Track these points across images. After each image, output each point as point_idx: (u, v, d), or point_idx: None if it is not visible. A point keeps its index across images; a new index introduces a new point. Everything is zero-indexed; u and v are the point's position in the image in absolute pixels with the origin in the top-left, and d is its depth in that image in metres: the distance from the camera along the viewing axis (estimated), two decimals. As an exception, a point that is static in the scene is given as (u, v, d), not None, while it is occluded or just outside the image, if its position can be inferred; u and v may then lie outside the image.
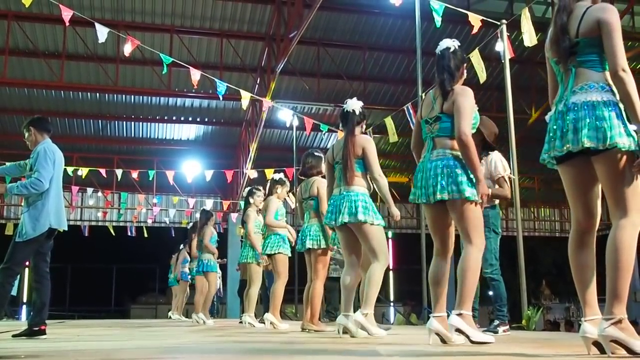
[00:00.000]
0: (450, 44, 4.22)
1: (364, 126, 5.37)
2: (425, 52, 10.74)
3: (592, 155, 3.00)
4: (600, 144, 2.92)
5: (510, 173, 5.99)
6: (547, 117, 3.21)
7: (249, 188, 8.73)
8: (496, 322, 5.62)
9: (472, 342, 3.71)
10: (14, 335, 5.48)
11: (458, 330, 3.75)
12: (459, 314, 3.76)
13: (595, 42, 3.05)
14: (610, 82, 3.02)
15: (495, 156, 5.83)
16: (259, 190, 8.85)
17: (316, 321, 6.47)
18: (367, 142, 5.16)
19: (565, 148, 3.03)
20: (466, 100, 3.96)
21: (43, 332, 5.50)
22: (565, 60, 3.13)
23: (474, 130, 4.02)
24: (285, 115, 15.42)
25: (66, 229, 5.86)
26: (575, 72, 3.09)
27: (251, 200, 8.70)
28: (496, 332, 5.42)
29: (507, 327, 5.69)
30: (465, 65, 4.25)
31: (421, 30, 9.33)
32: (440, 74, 4.13)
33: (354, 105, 5.31)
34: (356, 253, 5.23)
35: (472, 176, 3.91)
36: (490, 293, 5.83)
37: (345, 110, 5.32)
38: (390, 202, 5.21)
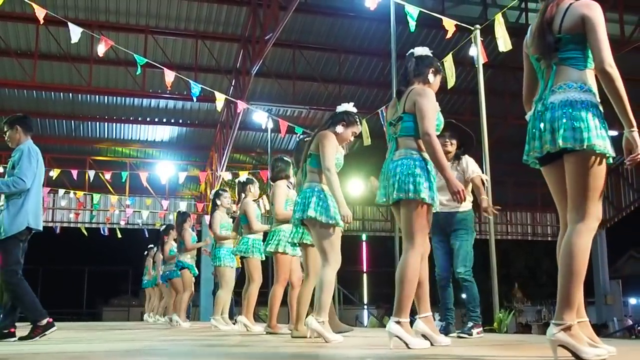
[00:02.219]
0: (418, 50, 4.26)
1: (341, 127, 5.11)
2: (400, 56, 10.69)
3: (565, 153, 2.97)
4: (577, 144, 2.89)
5: (483, 174, 6.03)
6: (527, 117, 3.19)
7: (215, 190, 8.61)
8: (470, 324, 5.63)
9: (409, 348, 3.69)
10: None
11: (397, 337, 3.73)
12: (398, 322, 3.75)
13: (578, 38, 3.02)
14: (589, 82, 3.00)
15: (468, 159, 5.87)
16: (226, 191, 8.87)
17: (274, 324, 6.51)
18: (323, 137, 4.98)
19: (544, 149, 3.00)
20: (427, 101, 3.96)
21: (12, 335, 5.44)
22: (548, 56, 3.10)
23: (438, 132, 4.04)
24: (260, 117, 15.39)
25: (41, 230, 5.82)
26: (556, 70, 3.07)
27: (218, 202, 8.66)
28: (470, 335, 5.45)
29: (481, 329, 5.71)
30: (432, 70, 4.21)
31: (396, 34, 9.36)
32: (399, 76, 4.21)
33: (341, 107, 5.26)
34: None
35: (430, 179, 3.90)
36: (463, 295, 5.85)
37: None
38: (340, 201, 4.82)
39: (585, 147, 2.88)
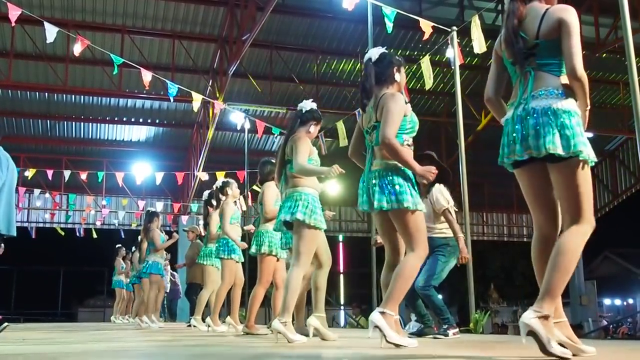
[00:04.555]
0: (372, 53, 4.19)
1: (313, 127, 5.17)
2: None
3: (550, 162, 3.00)
4: (566, 151, 2.92)
5: (453, 205, 6.04)
6: (502, 121, 3.19)
7: (224, 181, 8.18)
8: (445, 325, 5.72)
9: (387, 342, 3.63)
10: None
11: (376, 327, 3.66)
12: (382, 312, 3.70)
13: (556, 44, 3.04)
14: (568, 88, 3.03)
15: (435, 190, 5.91)
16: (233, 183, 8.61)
17: (251, 324, 6.55)
18: (296, 140, 4.97)
19: (526, 153, 3.01)
20: (393, 105, 3.93)
21: None
22: (522, 62, 3.11)
23: (412, 134, 4.03)
24: (237, 117, 15.38)
25: (15, 235, 5.78)
26: (535, 76, 3.07)
27: (229, 192, 7.97)
28: (446, 335, 5.53)
29: (457, 330, 5.77)
30: (395, 67, 4.17)
31: (373, 35, 9.42)
32: (360, 87, 4.14)
33: (305, 105, 5.24)
34: (315, 255, 5.19)
35: (410, 185, 3.91)
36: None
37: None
38: (320, 170, 4.86)
39: (572, 153, 2.92)
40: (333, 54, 17.38)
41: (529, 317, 2.83)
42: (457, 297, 28.45)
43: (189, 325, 9.02)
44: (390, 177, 3.91)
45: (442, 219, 5.94)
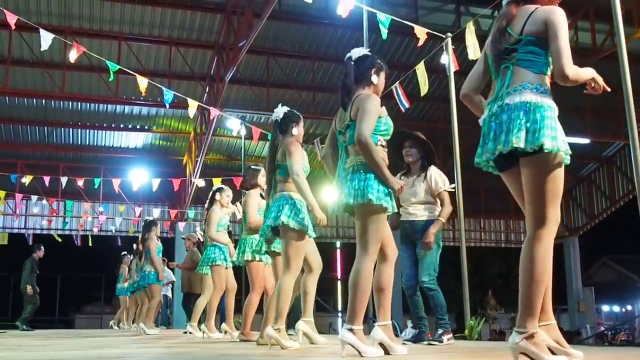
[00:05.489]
0: (354, 53, 4.15)
1: (295, 128, 5.16)
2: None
3: (520, 157, 2.96)
4: (529, 145, 2.87)
5: (451, 184, 6.06)
6: (480, 121, 3.16)
7: (217, 187, 8.28)
8: (440, 330, 5.69)
9: (362, 356, 3.62)
10: None
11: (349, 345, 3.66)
12: (350, 329, 3.67)
13: (539, 42, 3.02)
14: (545, 84, 3.01)
15: (434, 172, 5.87)
16: (226, 189, 8.65)
17: (247, 331, 6.55)
18: (288, 146, 4.98)
19: (497, 149, 2.97)
20: (369, 104, 3.86)
21: None
22: (501, 58, 3.10)
23: (386, 137, 3.97)
24: (234, 124, 15.40)
25: None
26: (512, 71, 3.05)
27: (217, 198, 8.11)
28: (441, 341, 5.51)
29: (451, 335, 5.76)
30: (375, 70, 4.10)
31: (369, 41, 9.45)
32: (340, 85, 4.11)
33: (279, 112, 5.23)
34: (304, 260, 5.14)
35: (379, 181, 3.81)
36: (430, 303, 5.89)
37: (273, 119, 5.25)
38: (313, 204, 4.88)
39: (536, 147, 2.86)
40: (329, 60, 17.39)
41: (515, 341, 2.81)
42: (454, 304, 28.42)
43: (186, 332, 9.02)
44: (363, 173, 3.83)
45: (423, 203, 5.85)
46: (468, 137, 18.62)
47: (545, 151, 2.87)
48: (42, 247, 14.93)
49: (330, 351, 4.41)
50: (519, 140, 2.87)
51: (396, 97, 9.95)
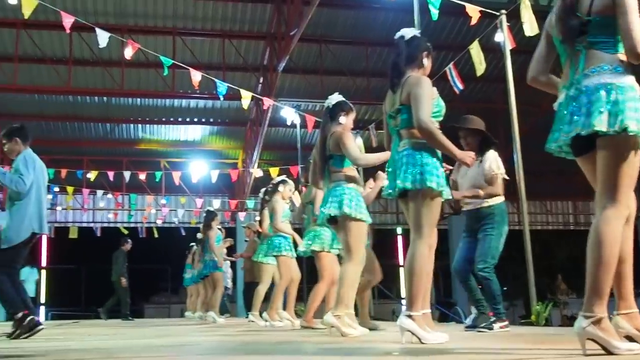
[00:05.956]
0: (405, 32, 4.10)
1: (343, 117, 5.18)
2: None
3: (598, 138, 2.80)
4: (612, 128, 2.72)
5: (504, 173, 5.92)
6: (555, 105, 3.02)
7: (280, 179, 8.34)
8: (493, 318, 5.61)
9: (422, 344, 3.57)
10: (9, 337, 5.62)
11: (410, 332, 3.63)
12: (409, 315, 3.65)
13: (609, 21, 2.84)
14: (624, 63, 2.83)
15: (490, 156, 5.73)
16: (289, 182, 8.50)
17: (309, 318, 6.62)
18: (338, 136, 5.01)
19: (574, 131, 2.82)
20: (421, 89, 3.81)
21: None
22: (572, 41, 2.94)
23: (439, 118, 3.95)
24: (288, 113, 15.52)
25: (47, 232, 6.04)
26: (586, 54, 2.88)
27: (280, 190, 8.12)
28: (491, 329, 5.41)
29: (505, 323, 5.60)
30: (426, 53, 4.07)
31: (420, 23, 9.39)
32: (390, 65, 4.05)
33: (331, 100, 5.27)
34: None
35: (438, 166, 3.79)
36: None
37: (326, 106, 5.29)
38: (383, 158, 4.80)
39: (617, 129, 2.71)
40: (382, 45, 17.25)
41: (582, 326, 2.68)
42: (522, 289, 27.81)
43: (252, 321, 9.18)
44: (419, 157, 3.81)
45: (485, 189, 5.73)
46: (528, 117, 18.36)
47: (630, 134, 2.73)
48: (130, 240, 15.52)
49: (391, 338, 4.40)
50: (600, 123, 2.73)
51: (450, 78, 9.85)
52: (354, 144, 5.01)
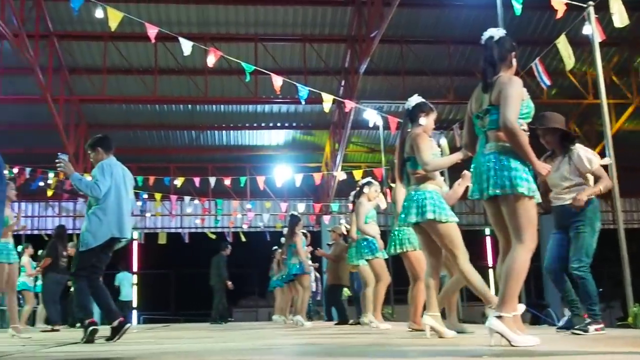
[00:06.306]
0: (494, 32, 4.07)
1: (423, 118, 5.14)
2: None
3: None
4: None
5: (606, 157, 5.66)
6: None
7: (365, 181, 8.28)
8: (588, 320, 5.37)
9: (512, 346, 3.50)
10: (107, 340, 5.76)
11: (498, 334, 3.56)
12: (499, 317, 3.58)
13: None
14: None
15: (580, 150, 5.47)
16: (374, 183, 8.44)
17: (418, 320, 6.50)
18: (414, 138, 4.97)
19: None
20: (512, 89, 3.76)
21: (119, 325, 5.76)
22: None
23: (528, 120, 3.86)
24: (370, 115, 15.43)
25: (129, 237, 6.14)
26: None
27: (365, 191, 8.11)
28: (586, 331, 5.17)
29: (601, 325, 5.36)
30: (514, 53, 4.05)
31: (504, 20, 9.12)
32: (483, 65, 3.99)
33: (411, 102, 5.25)
34: (433, 253, 5.07)
35: (527, 170, 3.73)
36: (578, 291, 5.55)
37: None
38: (451, 160, 4.95)
39: None
40: (465, 43, 16.95)
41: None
42: (619, 291, 26.71)
43: (357, 324, 9.09)
44: (507, 161, 3.74)
45: (573, 185, 5.50)
46: (621, 111, 17.63)
47: None
48: (230, 246, 15.85)
49: (480, 341, 4.29)
50: None
51: (536, 74, 9.58)
52: (428, 148, 4.95)
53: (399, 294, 11.91)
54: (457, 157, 4.80)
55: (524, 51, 16.34)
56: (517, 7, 8.45)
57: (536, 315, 16.43)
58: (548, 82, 9.65)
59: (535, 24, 15.91)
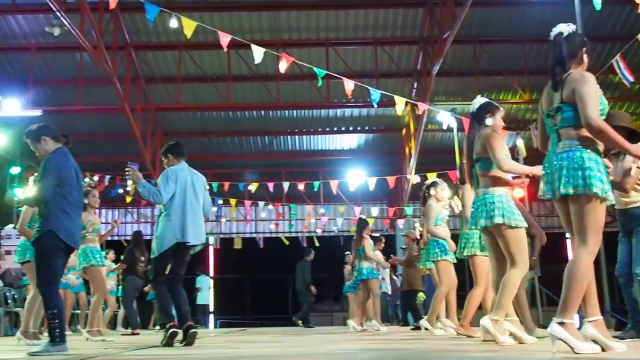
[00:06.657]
0: (564, 28, 3.92)
1: (489, 119, 5.04)
2: (589, 38, 10.14)
3: None
4: None
5: None
6: None
7: (431, 181, 8.10)
8: None
9: (575, 353, 3.39)
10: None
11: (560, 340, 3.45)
12: (561, 323, 3.46)
13: None
14: None
15: None
16: (442, 183, 8.24)
17: (467, 325, 6.38)
18: (486, 138, 4.88)
19: None
20: (586, 86, 3.63)
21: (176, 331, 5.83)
22: None
23: (603, 117, 3.70)
24: (444, 117, 15.23)
25: (190, 241, 6.15)
26: None
27: (432, 193, 7.86)
28: None
29: None
30: (585, 49, 3.90)
31: (582, 15, 8.83)
32: (552, 62, 3.86)
33: (475, 104, 5.20)
34: (499, 257, 4.97)
35: (602, 170, 3.58)
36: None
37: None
38: (524, 169, 4.93)
39: None
40: (541, 41, 16.46)
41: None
42: None
43: (419, 328, 8.94)
44: (580, 160, 3.60)
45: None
46: None
47: None
48: (313, 251, 16.01)
49: (546, 348, 4.13)
50: None
51: (618, 70, 9.27)
52: (502, 147, 4.86)
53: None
54: (532, 170, 4.77)
55: (603, 47, 15.82)
56: (597, 2, 8.18)
57: (621, 320, 15.83)
58: (631, 79, 9.34)
59: (615, 19, 15.37)
